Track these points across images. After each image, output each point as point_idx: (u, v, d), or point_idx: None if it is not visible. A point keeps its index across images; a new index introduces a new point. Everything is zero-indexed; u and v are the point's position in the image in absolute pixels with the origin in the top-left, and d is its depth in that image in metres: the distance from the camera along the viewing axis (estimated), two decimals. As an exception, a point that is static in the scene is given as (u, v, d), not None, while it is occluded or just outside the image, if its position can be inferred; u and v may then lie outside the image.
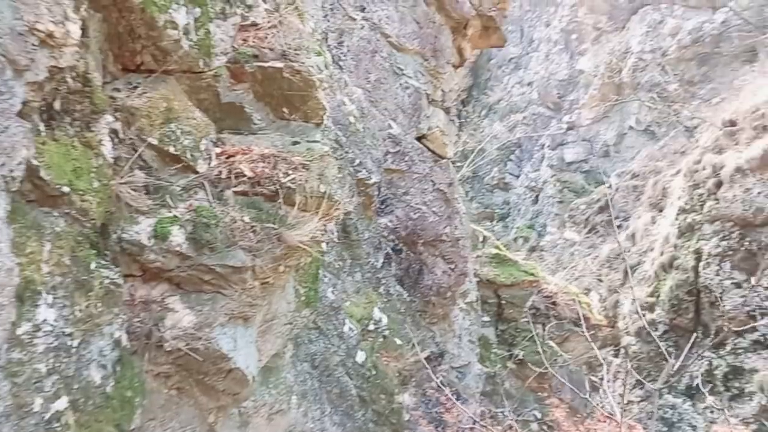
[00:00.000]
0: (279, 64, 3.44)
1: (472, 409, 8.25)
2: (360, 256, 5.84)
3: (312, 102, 3.52)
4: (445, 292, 6.77)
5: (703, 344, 13.51)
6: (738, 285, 12.41)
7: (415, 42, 6.44)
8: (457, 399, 7.64)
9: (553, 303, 11.49)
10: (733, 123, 13.01)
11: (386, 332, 5.74)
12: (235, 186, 3.17)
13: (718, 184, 12.90)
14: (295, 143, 3.49)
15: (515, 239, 24.83)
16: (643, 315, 15.23)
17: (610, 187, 21.00)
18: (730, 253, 12.63)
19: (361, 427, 5.46)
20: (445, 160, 6.95)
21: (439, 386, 7.21)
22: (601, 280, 17.44)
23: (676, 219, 14.37)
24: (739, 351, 12.39)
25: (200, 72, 3.21)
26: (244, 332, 3.28)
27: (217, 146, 3.32)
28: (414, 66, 6.50)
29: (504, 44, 8.41)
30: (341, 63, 5.63)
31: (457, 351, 7.28)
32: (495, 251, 11.82)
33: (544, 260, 18.08)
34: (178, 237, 2.88)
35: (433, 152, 6.69)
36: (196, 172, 3.13)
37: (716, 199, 12.90)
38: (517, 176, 28.77)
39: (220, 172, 3.19)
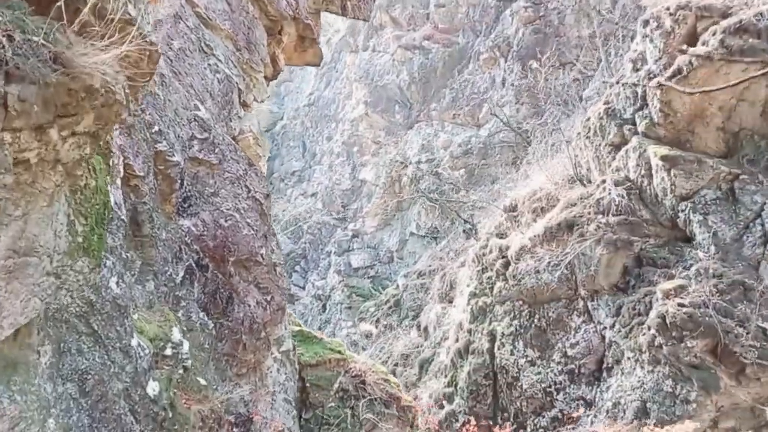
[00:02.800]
0: None
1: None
2: (154, 260, 4.37)
3: None
4: (259, 331, 5.44)
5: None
6: (532, 362, 12.57)
7: (227, 24, 5.55)
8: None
9: (363, 382, 10.46)
10: (513, 208, 13.86)
11: (188, 362, 4.23)
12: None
13: (506, 265, 13.37)
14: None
15: (303, 349, 23.60)
16: (442, 407, 14.83)
17: (398, 287, 21.22)
18: (522, 331, 12.88)
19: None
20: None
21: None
22: (397, 377, 16.83)
23: (468, 304, 14.54)
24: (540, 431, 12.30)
25: None
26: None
27: None
28: (224, 51, 5.54)
29: (320, 63, 7.89)
30: (140, 15, 4.47)
31: (270, 413, 5.84)
32: (297, 328, 10.63)
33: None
34: None
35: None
36: None
37: (505, 279, 13.30)
38: (303, 287, 28.03)
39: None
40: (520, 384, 12.70)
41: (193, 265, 4.89)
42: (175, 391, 4.02)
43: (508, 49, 20.37)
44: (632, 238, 11.05)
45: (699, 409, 9.52)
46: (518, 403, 12.71)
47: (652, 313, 10.07)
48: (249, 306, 5.33)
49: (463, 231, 19.32)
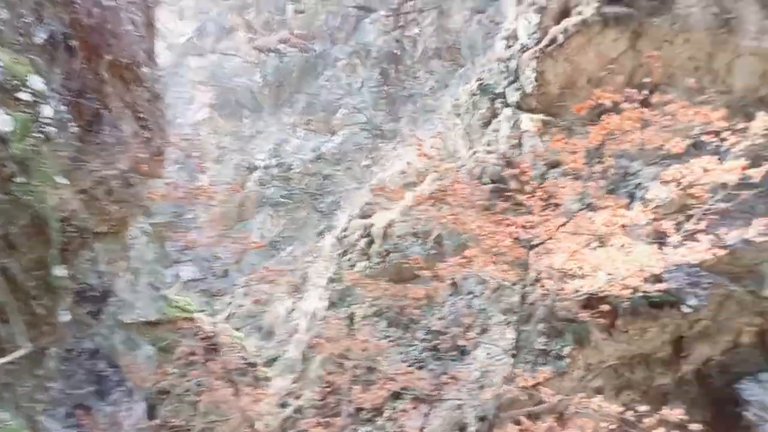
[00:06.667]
0: None
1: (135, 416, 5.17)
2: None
3: None
4: (133, 169, 4.07)
5: (357, 418, 12.29)
6: (395, 342, 11.81)
7: None
8: (119, 385, 4.60)
9: (214, 346, 8.91)
10: (381, 188, 13.31)
11: (51, 132, 2.87)
12: None
13: (370, 244, 12.67)
14: None
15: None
16: (285, 406, 13.39)
17: (233, 296, 19.48)
18: (385, 310, 12.14)
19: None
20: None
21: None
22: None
23: (326, 291, 13.52)
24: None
25: None
26: None
27: None
28: None
29: None
30: None
31: (130, 296, 4.41)
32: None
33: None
34: None
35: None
36: None
37: (368, 258, 12.57)
38: (121, 304, 24.89)
39: None
40: (378, 373, 11.82)
41: (58, 36, 3.48)
42: (34, 149, 2.65)
43: (366, 55, 20.35)
44: (504, 206, 10.93)
45: (571, 365, 9.33)
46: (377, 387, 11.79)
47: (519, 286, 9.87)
48: (122, 132, 3.97)
49: (318, 233, 18.37)
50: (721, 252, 6.16)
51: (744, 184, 5.90)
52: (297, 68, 22.55)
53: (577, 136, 9.21)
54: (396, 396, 11.58)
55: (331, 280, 13.44)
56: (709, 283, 8.95)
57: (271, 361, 15.04)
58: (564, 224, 6.72)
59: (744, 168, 5.76)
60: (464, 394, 10.32)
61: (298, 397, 13.22)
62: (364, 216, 13.48)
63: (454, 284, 11.54)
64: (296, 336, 14.16)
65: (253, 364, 9.38)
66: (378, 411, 11.75)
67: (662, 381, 9.41)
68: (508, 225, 6.91)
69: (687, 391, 9.14)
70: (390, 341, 11.81)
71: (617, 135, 5.97)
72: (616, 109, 6.36)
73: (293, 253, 19.16)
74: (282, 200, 20.58)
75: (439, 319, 11.20)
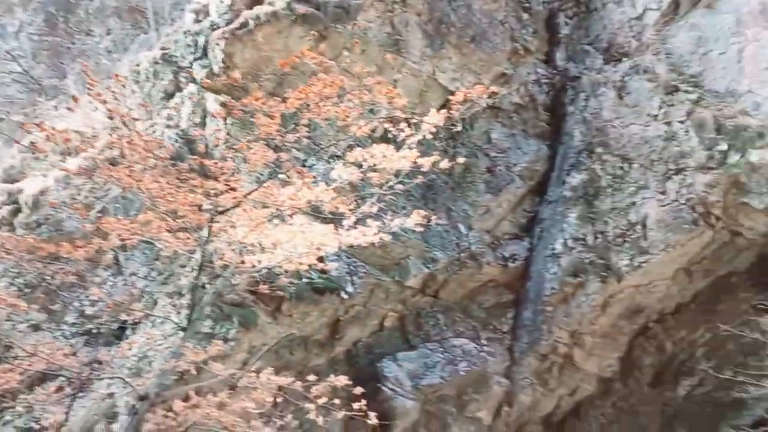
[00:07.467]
0: None
1: None
2: None
3: None
4: None
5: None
6: (37, 327, 10.45)
7: None
8: None
9: None
10: (36, 148, 11.59)
11: None
12: None
13: (15, 212, 10.98)
14: None
15: None
16: None
17: None
18: (28, 290, 10.65)
19: None
20: None
21: None
22: None
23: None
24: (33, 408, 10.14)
25: None
26: None
27: None
28: None
29: None
30: None
31: None
32: None
33: None
34: None
35: None
36: None
37: (12, 229, 10.88)
38: None
39: None
40: (13, 354, 10.27)
41: None
42: None
43: (29, -2, 17.56)
44: (180, 184, 10.53)
45: (236, 348, 9.44)
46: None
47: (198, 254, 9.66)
48: None
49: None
50: (387, 237, 6.86)
51: (414, 173, 6.70)
52: (-71, -8, 18.28)
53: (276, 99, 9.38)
54: (32, 384, 10.22)
55: (-44, 252, 11.22)
56: (364, 272, 10.04)
57: None
58: (250, 193, 6.73)
59: (415, 158, 6.53)
60: (118, 379, 9.60)
61: None
62: (11, 180, 11.63)
63: (116, 262, 10.70)
64: None
65: None
66: (11, 398, 10.19)
67: (317, 361, 10.18)
68: (190, 190, 6.58)
69: (337, 369, 10.02)
70: (30, 326, 10.39)
71: (313, 104, 6.16)
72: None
73: None
74: None
75: (93, 302, 10.24)
